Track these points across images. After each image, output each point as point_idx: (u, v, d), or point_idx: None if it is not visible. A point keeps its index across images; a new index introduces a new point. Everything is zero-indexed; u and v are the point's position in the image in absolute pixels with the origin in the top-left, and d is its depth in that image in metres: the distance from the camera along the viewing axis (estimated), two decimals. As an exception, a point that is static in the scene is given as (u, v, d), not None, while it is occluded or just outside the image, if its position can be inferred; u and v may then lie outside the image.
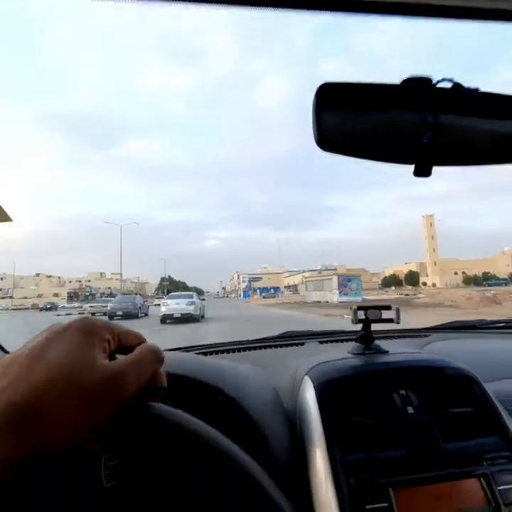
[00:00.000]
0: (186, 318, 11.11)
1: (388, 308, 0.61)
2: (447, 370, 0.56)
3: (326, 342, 0.98)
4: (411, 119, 0.39)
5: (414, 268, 73.44)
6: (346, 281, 22.76)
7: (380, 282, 70.53)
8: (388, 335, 1.00)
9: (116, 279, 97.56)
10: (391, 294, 36.62)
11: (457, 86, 0.36)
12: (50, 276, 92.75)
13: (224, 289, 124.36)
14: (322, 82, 0.38)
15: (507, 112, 0.40)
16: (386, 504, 0.42)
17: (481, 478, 0.46)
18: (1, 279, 70.76)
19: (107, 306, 16.60)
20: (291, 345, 0.97)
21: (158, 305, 15.26)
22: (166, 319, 11.33)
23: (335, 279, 22.97)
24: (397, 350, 0.62)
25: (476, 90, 0.37)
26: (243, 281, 70.73)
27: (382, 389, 0.52)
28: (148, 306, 18.12)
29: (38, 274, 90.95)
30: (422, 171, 0.39)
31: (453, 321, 1.21)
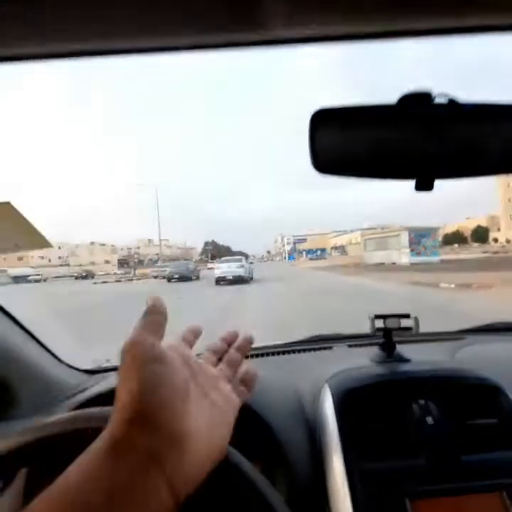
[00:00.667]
0: (237, 280, 12.09)
1: (407, 316, 0.60)
2: (470, 380, 0.55)
3: (355, 346, 0.93)
4: (410, 136, 0.39)
5: (483, 223, 64.45)
6: (419, 237, 18.37)
7: (440, 240, 63.08)
8: (420, 338, 0.94)
9: (164, 245, 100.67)
10: (470, 252, 30.85)
11: (452, 101, 0.37)
12: (103, 245, 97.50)
13: (269, 252, 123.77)
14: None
15: (503, 121, 0.40)
16: None
17: (504, 493, 0.44)
18: (59, 247, 75.32)
19: (165, 270, 18.55)
20: (319, 349, 0.95)
21: (212, 269, 17.68)
22: (220, 281, 12.27)
23: (404, 235, 18.48)
24: (421, 358, 0.62)
25: (471, 104, 0.38)
26: (288, 244, 67.87)
27: (402, 398, 0.52)
28: (200, 270, 20.80)
29: (92, 243, 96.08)
30: (424, 186, 0.40)
31: (493, 322, 1.07)
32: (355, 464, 0.45)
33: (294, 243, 68.66)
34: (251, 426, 0.43)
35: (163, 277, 18.02)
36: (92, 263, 63.44)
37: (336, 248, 79.05)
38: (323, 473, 0.47)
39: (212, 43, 0.31)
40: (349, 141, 0.40)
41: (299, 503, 0.42)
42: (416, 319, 0.61)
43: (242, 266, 12.80)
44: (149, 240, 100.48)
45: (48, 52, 0.29)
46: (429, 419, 0.49)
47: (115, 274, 36.57)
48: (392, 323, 0.59)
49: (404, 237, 18.45)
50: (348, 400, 0.52)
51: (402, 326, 0.60)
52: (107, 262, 64.69)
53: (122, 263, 63.79)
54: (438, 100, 0.37)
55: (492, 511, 0.43)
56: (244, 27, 0.29)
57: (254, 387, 0.31)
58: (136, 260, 63.43)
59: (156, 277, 20.48)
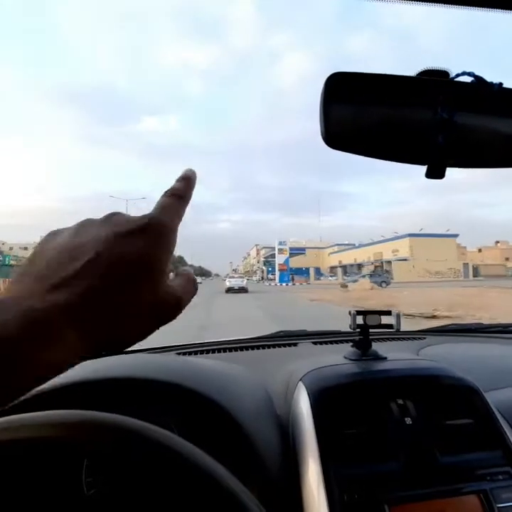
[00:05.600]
0: (241, 289, 20.00)
1: (388, 313, 0.59)
2: (448, 379, 0.54)
3: (320, 343, 0.97)
4: (425, 116, 0.36)
5: None
6: None
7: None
8: (383, 337, 0.99)
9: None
10: None
11: (478, 80, 0.34)
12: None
13: (235, 270, 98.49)
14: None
15: None
16: None
17: (481, 495, 0.44)
18: None
19: None
20: (284, 345, 0.96)
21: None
22: (229, 290, 19.78)
23: None
24: (395, 356, 0.61)
25: (500, 84, 0.34)
26: (282, 253, 38.85)
27: (380, 398, 0.51)
28: None
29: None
30: (435, 173, 0.37)
31: (449, 324, 1.17)
32: (331, 468, 0.43)
33: (290, 256, 40.33)
34: (221, 425, 0.40)
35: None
36: None
37: (344, 267, 53.43)
38: (297, 475, 0.45)
39: None
40: (363, 113, 0.37)
41: (271, 506, 0.38)
42: (398, 315, 0.58)
43: (243, 281, 21.04)
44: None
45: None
46: (408, 420, 0.48)
47: None
48: (372, 319, 0.58)
49: None
50: (325, 399, 0.49)
51: (382, 322, 0.58)
52: None
53: None
54: (460, 79, 0.34)
55: None
56: None
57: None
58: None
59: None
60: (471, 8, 0.32)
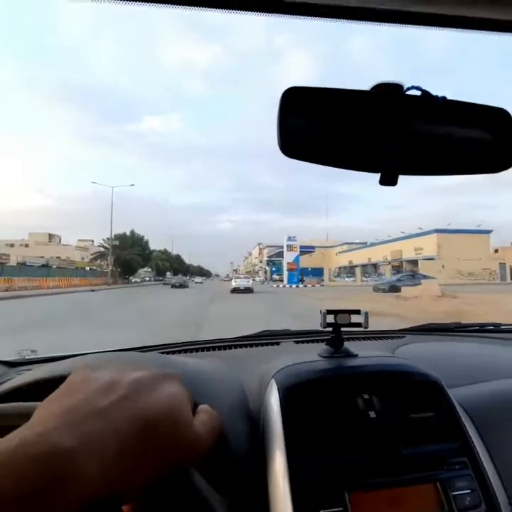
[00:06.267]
0: (246, 290, 19.95)
1: (357, 312, 0.61)
2: (412, 374, 0.57)
3: (302, 342, 1.00)
4: (378, 127, 0.38)
5: None
6: None
7: None
8: (363, 336, 1.03)
9: (77, 247, 64.41)
10: None
11: (426, 93, 0.36)
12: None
13: (235, 271, 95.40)
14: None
15: (473, 121, 0.40)
16: (341, 508, 0.43)
17: (437, 484, 0.46)
18: None
19: (171, 279, 32.80)
20: (267, 344, 0.99)
21: (192, 281, 46.14)
22: (235, 290, 19.68)
23: None
24: (366, 354, 0.63)
25: (444, 98, 0.37)
26: (291, 250, 34.73)
27: (347, 393, 0.53)
28: (189, 281, 35.49)
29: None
30: (388, 180, 0.39)
31: (428, 323, 1.22)
32: (296, 458, 0.46)
33: (300, 254, 36.06)
34: None
35: (166, 284, 32.90)
36: None
37: (355, 267, 49.34)
38: (264, 467, 0.47)
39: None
40: (317, 124, 0.39)
41: (241, 498, 0.41)
42: (366, 314, 0.61)
43: (249, 281, 21.17)
44: (51, 236, 62.41)
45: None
46: (372, 413, 0.50)
47: None
48: (342, 318, 0.60)
49: None
50: (294, 395, 0.52)
51: (352, 321, 0.60)
52: None
53: None
54: (411, 92, 0.36)
55: (427, 502, 0.45)
56: None
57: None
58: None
59: (165, 284, 33.82)
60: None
